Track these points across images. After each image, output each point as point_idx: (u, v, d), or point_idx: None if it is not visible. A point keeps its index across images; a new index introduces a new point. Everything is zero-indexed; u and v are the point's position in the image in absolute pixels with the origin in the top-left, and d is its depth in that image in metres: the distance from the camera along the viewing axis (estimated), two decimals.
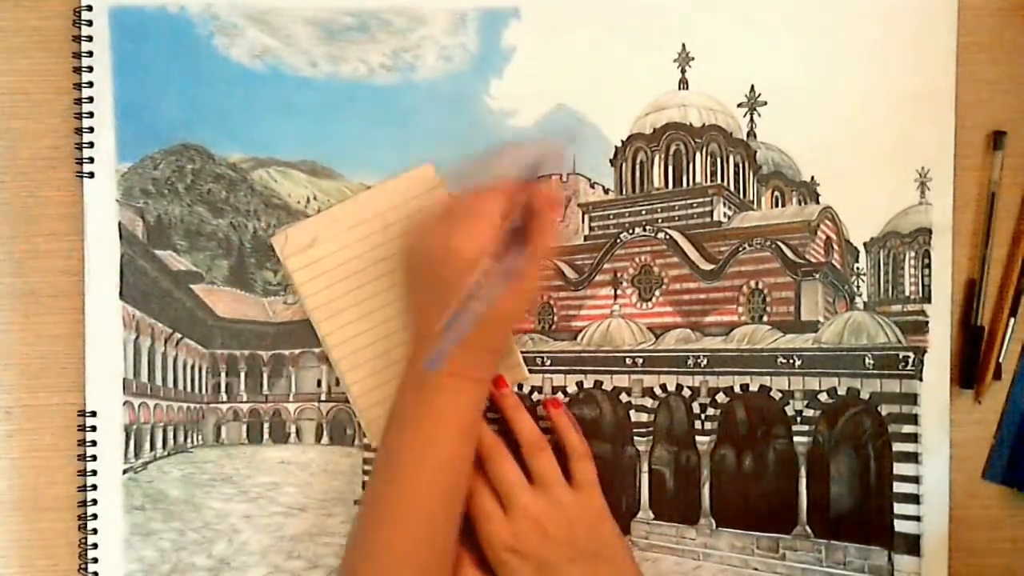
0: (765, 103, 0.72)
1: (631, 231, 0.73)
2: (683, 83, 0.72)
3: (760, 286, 0.72)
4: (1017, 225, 0.72)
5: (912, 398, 0.70)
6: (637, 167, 0.73)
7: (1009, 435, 0.72)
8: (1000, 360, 0.71)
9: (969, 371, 0.71)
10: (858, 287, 0.72)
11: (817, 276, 0.71)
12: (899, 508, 0.70)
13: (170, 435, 0.72)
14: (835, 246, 0.72)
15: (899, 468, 0.70)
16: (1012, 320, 0.71)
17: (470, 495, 0.65)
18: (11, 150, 0.71)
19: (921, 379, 0.70)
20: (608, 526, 0.67)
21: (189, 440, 0.73)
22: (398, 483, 0.62)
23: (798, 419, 0.71)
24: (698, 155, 0.73)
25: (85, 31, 0.69)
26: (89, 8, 0.69)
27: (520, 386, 0.73)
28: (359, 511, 0.66)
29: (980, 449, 0.72)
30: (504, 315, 0.62)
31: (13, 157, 0.71)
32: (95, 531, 0.70)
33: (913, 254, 0.71)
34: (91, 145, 0.70)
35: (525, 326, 0.73)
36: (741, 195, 0.73)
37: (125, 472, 0.71)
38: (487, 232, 0.59)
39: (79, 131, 0.70)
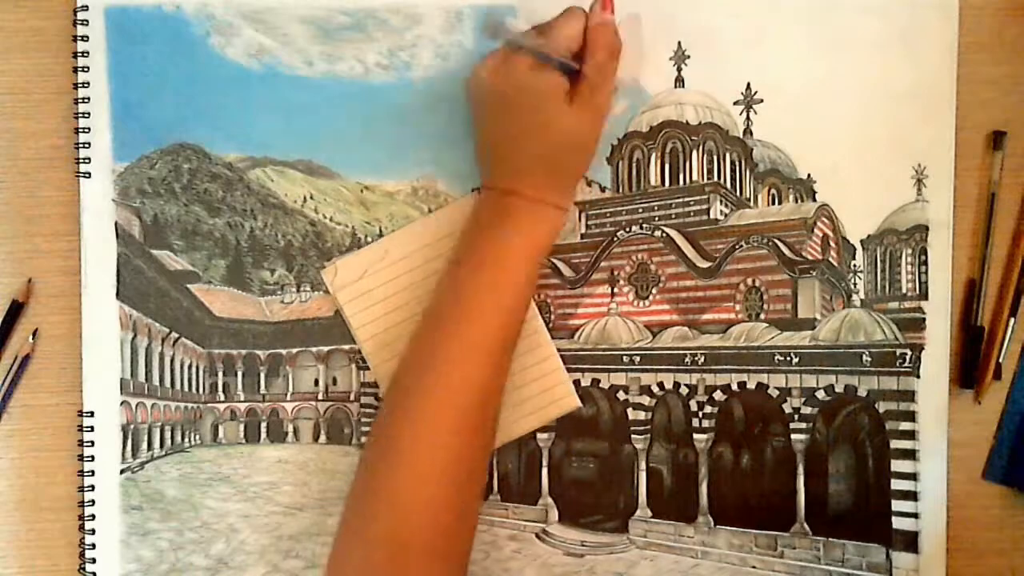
0: (761, 101, 0.72)
1: (628, 229, 0.73)
2: (679, 81, 0.72)
3: (757, 284, 0.72)
4: (1017, 225, 0.72)
5: (910, 395, 0.70)
6: (634, 165, 0.73)
7: (1009, 435, 0.72)
8: (1000, 360, 0.71)
9: (969, 371, 0.71)
10: (855, 284, 0.72)
11: (814, 273, 0.71)
12: (897, 505, 0.70)
13: (168, 435, 0.72)
14: (832, 243, 0.72)
15: (897, 465, 0.70)
16: (1012, 320, 0.71)
17: None
18: (11, 150, 0.71)
19: (918, 376, 0.70)
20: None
21: (187, 440, 0.73)
22: (465, 313, 0.61)
23: (796, 416, 0.71)
24: (695, 153, 0.73)
25: (81, 31, 0.69)
26: (85, 8, 0.69)
27: None
28: (402, 357, 0.63)
29: (980, 449, 0.72)
30: (582, 134, 0.63)
31: (13, 157, 0.71)
32: (93, 531, 0.70)
33: (910, 251, 0.71)
34: (88, 145, 0.70)
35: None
36: (738, 193, 0.73)
37: (123, 472, 0.71)
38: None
39: (77, 131, 0.70)
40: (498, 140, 0.65)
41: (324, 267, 0.72)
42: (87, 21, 0.69)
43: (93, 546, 0.70)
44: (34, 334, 0.71)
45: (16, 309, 0.71)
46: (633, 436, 0.73)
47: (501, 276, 0.62)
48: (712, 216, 0.73)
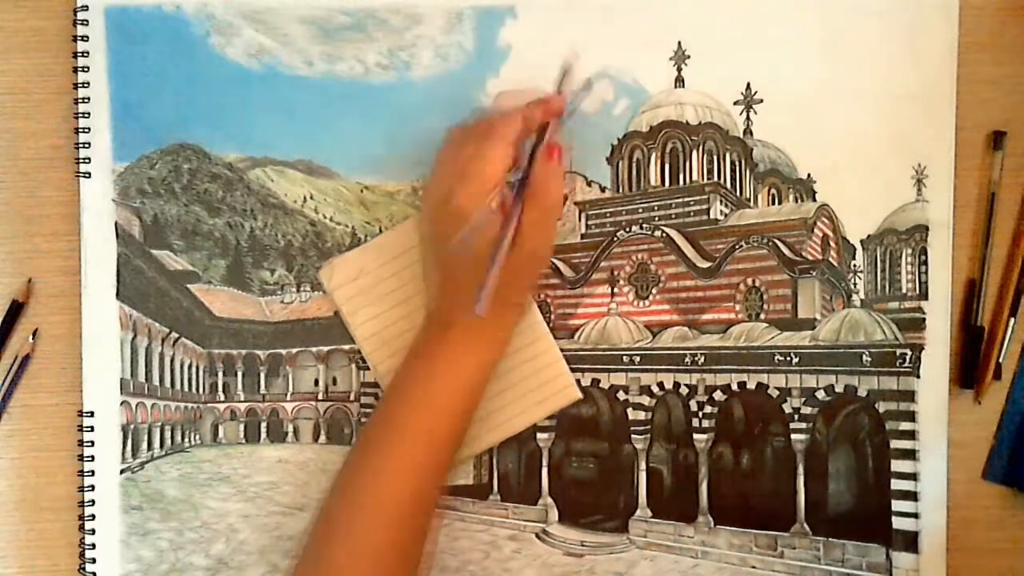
0: (761, 101, 0.72)
1: (628, 229, 0.73)
2: (679, 81, 0.72)
3: (757, 284, 0.72)
4: (1017, 225, 0.72)
5: (910, 395, 0.70)
6: (634, 165, 0.73)
7: (1009, 435, 0.72)
8: (1000, 360, 0.71)
9: (969, 371, 0.71)
10: (855, 284, 0.71)
11: (814, 273, 0.71)
12: (897, 505, 0.70)
13: (167, 435, 0.72)
14: (832, 243, 0.72)
15: (897, 465, 0.70)
16: (1012, 320, 0.71)
17: None
18: (11, 150, 0.71)
19: (919, 376, 0.70)
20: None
21: (187, 440, 0.73)
22: (399, 428, 0.62)
23: (796, 417, 0.71)
24: (695, 153, 0.73)
25: (81, 31, 0.69)
26: (85, 8, 0.69)
27: None
28: (349, 452, 0.67)
29: (980, 449, 0.72)
30: (524, 261, 0.61)
31: (13, 157, 0.71)
32: (93, 531, 0.70)
33: (910, 251, 0.71)
34: (88, 145, 0.70)
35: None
36: (738, 193, 0.73)
37: (123, 472, 0.71)
38: (501, 155, 0.60)
39: (77, 131, 0.70)
40: (437, 254, 0.65)
41: (320, 267, 0.72)
42: (87, 21, 0.69)
43: (93, 546, 0.70)
44: (34, 334, 0.71)
45: (16, 309, 0.71)
46: (633, 436, 0.73)
47: (427, 403, 0.63)
48: (712, 216, 0.73)
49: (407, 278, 0.70)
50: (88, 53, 0.70)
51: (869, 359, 0.70)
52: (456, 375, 0.63)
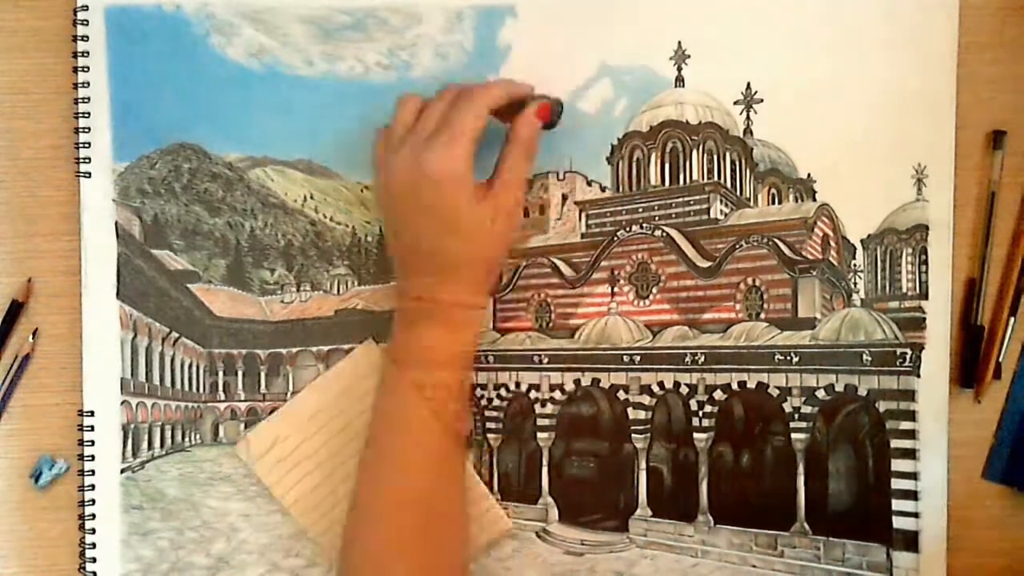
0: (761, 100, 0.72)
1: (628, 229, 0.73)
2: (679, 80, 0.72)
3: (757, 283, 0.72)
4: (1017, 225, 0.72)
5: (910, 394, 0.70)
6: (634, 165, 0.73)
7: (1009, 435, 0.72)
8: (1000, 360, 0.71)
9: (969, 370, 0.71)
10: (855, 284, 0.71)
11: (814, 273, 0.71)
12: (897, 505, 0.69)
13: (168, 434, 0.72)
14: (832, 243, 0.72)
15: (897, 464, 0.70)
16: (1012, 319, 0.71)
17: None
18: (11, 150, 0.71)
19: (919, 375, 0.70)
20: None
21: (187, 439, 0.73)
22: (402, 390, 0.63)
23: (796, 416, 0.71)
24: (695, 152, 0.73)
25: (81, 31, 0.69)
26: (85, 8, 0.69)
27: (517, 384, 0.73)
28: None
29: (980, 448, 0.72)
30: (493, 233, 0.63)
31: (13, 157, 0.71)
32: (93, 531, 0.70)
33: (910, 250, 0.71)
34: (88, 145, 0.70)
35: (523, 324, 0.73)
36: (738, 192, 0.73)
37: (123, 471, 0.71)
38: (463, 149, 0.60)
39: (77, 131, 0.70)
40: (396, 237, 0.65)
41: (236, 445, 0.72)
42: (87, 21, 0.69)
43: (93, 546, 0.70)
44: (34, 334, 0.71)
45: (16, 309, 0.71)
46: (633, 435, 0.73)
47: (428, 377, 0.62)
48: (712, 216, 0.73)
49: (325, 436, 0.71)
50: (88, 53, 0.70)
51: (869, 358, 0.70)
52: (451, 339, 0.63)
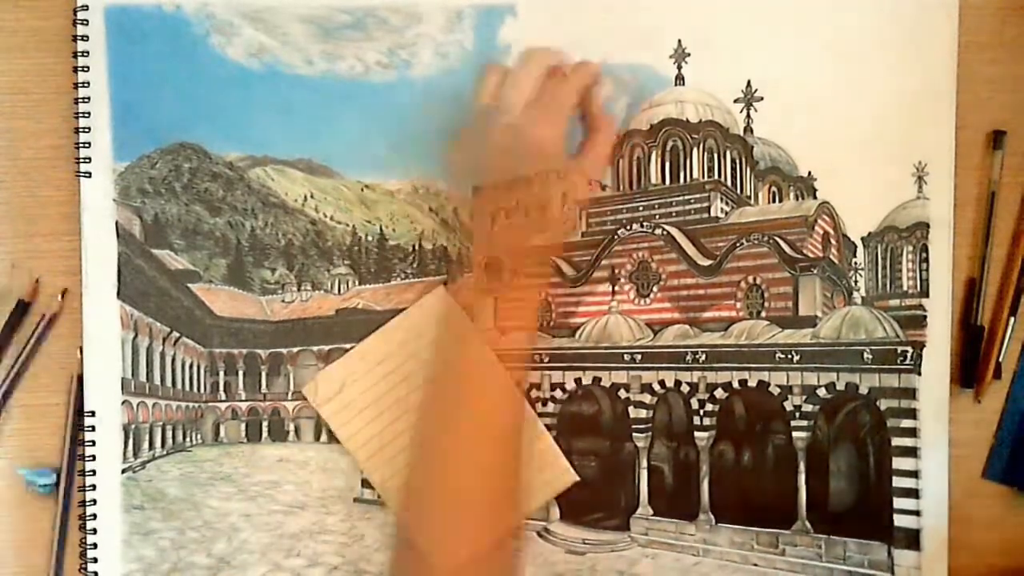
0: (762, 99, 0.72)
1: (629, 227, 0.73)
2: (680, 79, 0.72)
3: (758, 281, 0.72)
4: (1017, 225, 0.72)
5: (911, 392, 0.70)
6: (634, 163, 0.73)
7: (1009, 434, 0.72)
8: (1000, 359, 0.71)
9: (969, 370, 0.71)
10: (856, 282, 0.71)
11: (815, 271, 0.71)
12: (898, 503, 0.69)
13: (169, 434, 0.72)
14: (833, 241, 0.72)
15: (898, 463, 0.70)
16: (1012, 319, 0.71)
17: None
18: (11, 150, 0.71)
19: (920, 373, 0.70)
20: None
21: (188, 439, 0.73)
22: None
23: (797, 414, 0.71)
24: (695, 151, 0.73)
25: (81, 31, 0.69)
26: (85, 8, 0.69)
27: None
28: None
29: (980, 448, 0.72)
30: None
31: (13, 157, 0.71)
32: (94, 531, 0.70)
33: (911, 248, 0.71)
34: (88, 145, 0.70)
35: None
36: (738, 191, 0.73)
37: (124, 471, 0.71)
38: (559, 120, 0.63)
39: (77, 131, 0.70)
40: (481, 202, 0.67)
41: (305, 386, 0.72)
42: (87, 21, 0.69)
43: (94, 546, 0.70)
44: (63, 294, 0.71)
45: (23, 309, 0.70)
46: (634, 434, 0.73)
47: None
48: (713, 214, 0.73)
49: (391, 383, 0.70)
50: (88, 53, 0.70)
51: (870, 356, 0.70)
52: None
